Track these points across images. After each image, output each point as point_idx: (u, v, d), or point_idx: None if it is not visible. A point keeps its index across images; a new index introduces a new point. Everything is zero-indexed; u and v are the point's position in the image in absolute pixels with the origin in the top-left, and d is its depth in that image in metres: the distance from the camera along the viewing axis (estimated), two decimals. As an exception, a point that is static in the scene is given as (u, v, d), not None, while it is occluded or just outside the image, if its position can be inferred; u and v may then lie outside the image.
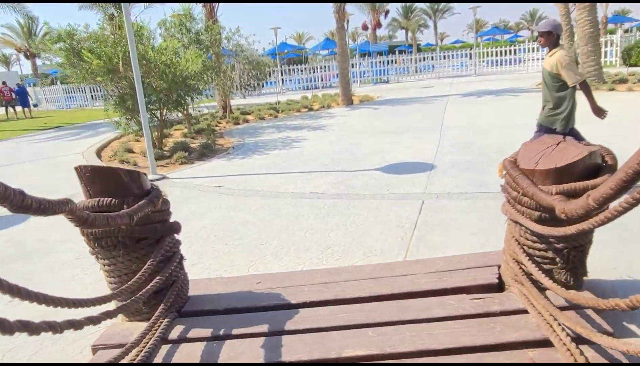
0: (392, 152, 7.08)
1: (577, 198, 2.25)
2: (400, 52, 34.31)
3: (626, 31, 22.71)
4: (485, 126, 8.69)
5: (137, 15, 18.09)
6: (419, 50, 45.64)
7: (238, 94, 13.66)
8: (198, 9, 12.83)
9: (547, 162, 2.32)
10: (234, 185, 6.01)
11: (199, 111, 12.01)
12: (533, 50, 22.83)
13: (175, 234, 2.76)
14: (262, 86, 20.05)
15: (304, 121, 12.07)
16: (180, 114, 10.84)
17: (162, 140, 9.28)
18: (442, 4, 55.64)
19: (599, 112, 4.65)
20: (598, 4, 13.56)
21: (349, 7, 33.21)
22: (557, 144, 2.40)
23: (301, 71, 24.74)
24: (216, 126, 12.86)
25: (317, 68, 24.80)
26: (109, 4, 18.68)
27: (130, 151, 9.28)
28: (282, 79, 24.48)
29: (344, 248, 3.68)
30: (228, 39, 12.74)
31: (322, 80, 24.55)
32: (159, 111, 8.94)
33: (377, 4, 35.98)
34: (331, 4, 15.37)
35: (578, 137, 4.80)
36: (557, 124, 4.62)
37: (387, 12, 37.30)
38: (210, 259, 3.71)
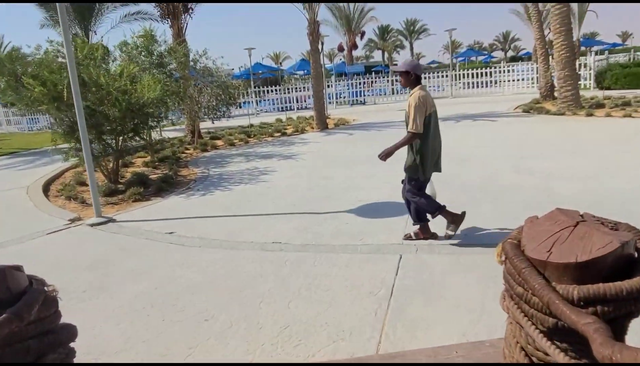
0: (367, 189, 6.48)
1: (607, 304, 1.68)
2: (377, 72, 34.31)
3: (596, 53, 23.04)
4: (464, 156, 8.21)
5: (102, 36, 17.32)
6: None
7: (207, 119, 12.93)
8: (162, 30, 12.16)
9: (563, 253, 1.73)
10: (188, 231, 5.30)
11: (156, 139, 11.23)
12: (508, 72, 22.89)
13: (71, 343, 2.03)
14: (238, 106, 19.43)
15: (275, 148, 11.44)
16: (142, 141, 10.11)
17: (118, 172, 8.50)
18: (418, 25, 56.40)
19: (384, 156, 4.21)
20: (572, 27, 13.44)
21: (324, 29, 33.14)
22: (575, 225, 1.83)
23: (276, 91, 24.24)
24: (182, 152, 12.13)
25: (292, 89, 24.36)
26: (73, 23, 17.90)
27: (83, 183, 8.46)
28: (257, 101, 23.91)
29: (306, 327, 3.01)
30: (195, 61, 12.08)
31: (297, 101, 24.09)
32: (114, 141, 8.19)
33: (353, 26, 35.98)
34: (305, 26, 14.96)
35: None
36: (414, 170, 4.20)
37: (363, 34, 37.38)
38: (139, 345, 2.98)
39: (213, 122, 13.29)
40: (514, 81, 22.77)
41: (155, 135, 12.39)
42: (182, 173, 9.23)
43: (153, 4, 14.59)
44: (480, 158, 7.88)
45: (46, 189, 8.45)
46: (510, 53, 71.16)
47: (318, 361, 2.66)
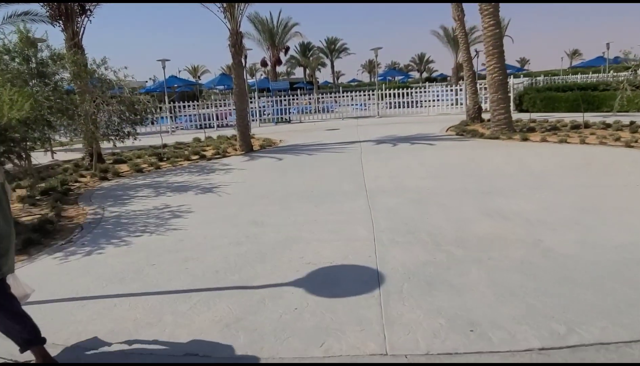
0: (313, 242, 5.02)
1: None
2: (299, 89, 33.29)
3: (514, 76, 23.86)
4: (418, 190, 7.08)
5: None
6: (318, 87, 45.39)
7: (109, 140, 10.71)
8: (51, 33, 9.89)
9: None
10: (50, 330, 3.47)
11: (38, 165, 8.99)
12: (432, 93, 22.83)
13: None
14: (151, 123, 17.07)
15: (192, 177, 9.63)
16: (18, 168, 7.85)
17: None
18: (338, 44, 56.69)
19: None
20: (505, 53, 13.17)
21: (247, 42, 31.57)
22: None
23: (194, 107, 22.11)
24: (76, 181, 9.90)
25: (211, 105, 22.37)
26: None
27: None
28: (172, 117, 21.62)
29: None
30: (91, 73, 9.90)
31: (217, 118, 22.14)
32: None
33: (277, 41, 34.80)
34: (227, 38, 13.33)
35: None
36: None
37: (287, 49, 36.31)
38: None
39: (115, 146, 11.11)
40: (435, 100, 22.70)
41: (45, 158, 10.07)
42: (68, 214, 7.15)
43: (41, 2, 12.15)
44: (437, 194, 6.77)
45: None
46: (425, 74, 74.21)
47: None
